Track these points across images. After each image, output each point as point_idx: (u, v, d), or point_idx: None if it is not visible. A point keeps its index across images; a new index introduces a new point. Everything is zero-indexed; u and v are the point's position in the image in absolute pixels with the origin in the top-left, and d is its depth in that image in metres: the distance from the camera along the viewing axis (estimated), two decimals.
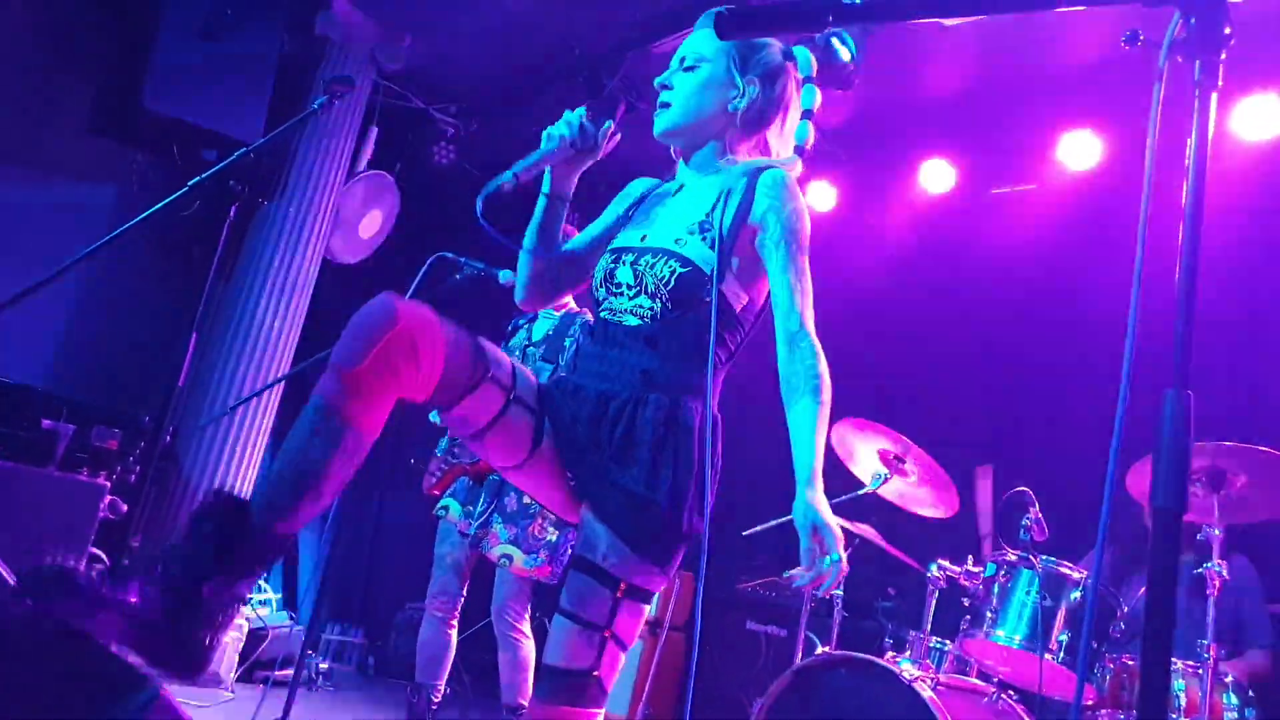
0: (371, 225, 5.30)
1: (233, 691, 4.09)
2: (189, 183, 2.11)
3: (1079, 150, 4.54)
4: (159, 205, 2.15)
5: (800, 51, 1.92)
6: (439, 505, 3.45)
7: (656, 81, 1.90)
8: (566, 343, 3.47)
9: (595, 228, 2.00)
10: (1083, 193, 4.62)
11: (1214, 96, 1.09)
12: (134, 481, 3.85)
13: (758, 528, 3.91)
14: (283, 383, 4.49)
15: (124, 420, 3.78)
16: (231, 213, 2.24)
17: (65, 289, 4.63)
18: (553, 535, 3.30)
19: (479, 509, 3.33)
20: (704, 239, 1.74)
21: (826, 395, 1.66)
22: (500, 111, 5.58)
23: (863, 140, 5.12)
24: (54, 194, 4.63)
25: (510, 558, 3.27)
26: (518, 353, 3.57)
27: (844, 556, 1.55)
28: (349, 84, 2.37)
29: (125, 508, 3.68)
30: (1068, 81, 4.33)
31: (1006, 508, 3.13)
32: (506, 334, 3.73)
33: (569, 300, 3.63)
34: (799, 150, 1.93)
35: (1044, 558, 2.90)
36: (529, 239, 1.93)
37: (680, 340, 1.72)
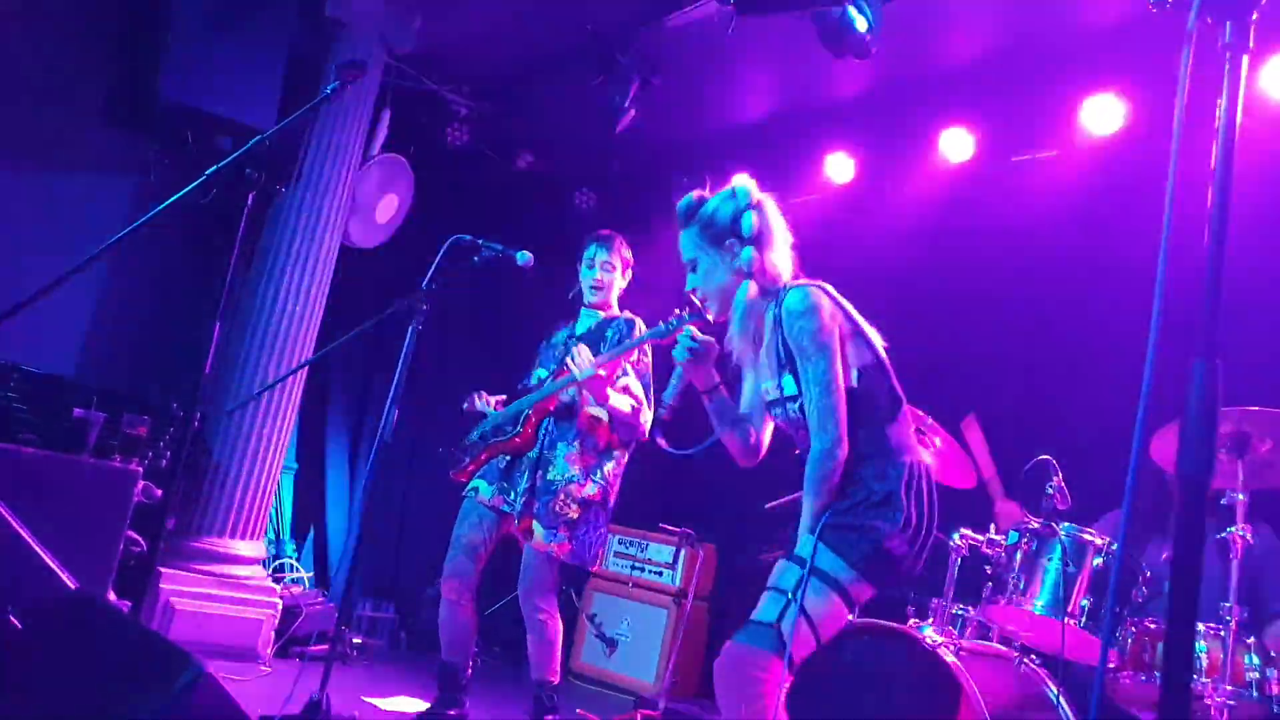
0: (388, 209, 5.32)
1: (269, 666, 4.17)
2: (206, 172, 2.13)
3: (1102, 115, 4.47)
4: (179, 195, 2.16)
5: (740, 189, 2.34)
6: (469, 486, 3.49)
7: (686, 290, 2.39)
8: (609, 333, 3.47)
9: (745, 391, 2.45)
10: (1106, 158, 4.55)
11: (1245, 59, 1.08)
12: (165, 466, 3.91)
13: (778, 501, 3.94)
14: (306, 368, 4.54)
15: (153, 407, 3.84)
16: (249, 201, 2.25)
17: (88, 280, 4.69)
18: (574, 513, 3.33)
19: (521, 487, 3.36)
20: (787, 373, 2.21)
21: (815, 493, 2.11)
22: (513, 91, 5.57)
23: (881, 110, 5.08)
24: (72, 186, 4.68)
25: (531, 532, 3.31)
26: (561, 346, 3.59)
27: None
28: (360, 69, 2.38)
29: (159, 492, 3.75)
30: (1090, 45, 4.27)
31: (1029, 476, 3.14)
32: (547, 334, 3.74)
33: (614, 303, 3.64)
34: (748, 274, 2.28)
35: (1066, 525, 2.91)
36: (719, 430, 2.40)
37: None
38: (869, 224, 5.40)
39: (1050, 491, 3.00)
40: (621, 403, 3.34)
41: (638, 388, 3.42)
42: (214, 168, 2.15)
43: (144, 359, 4.83)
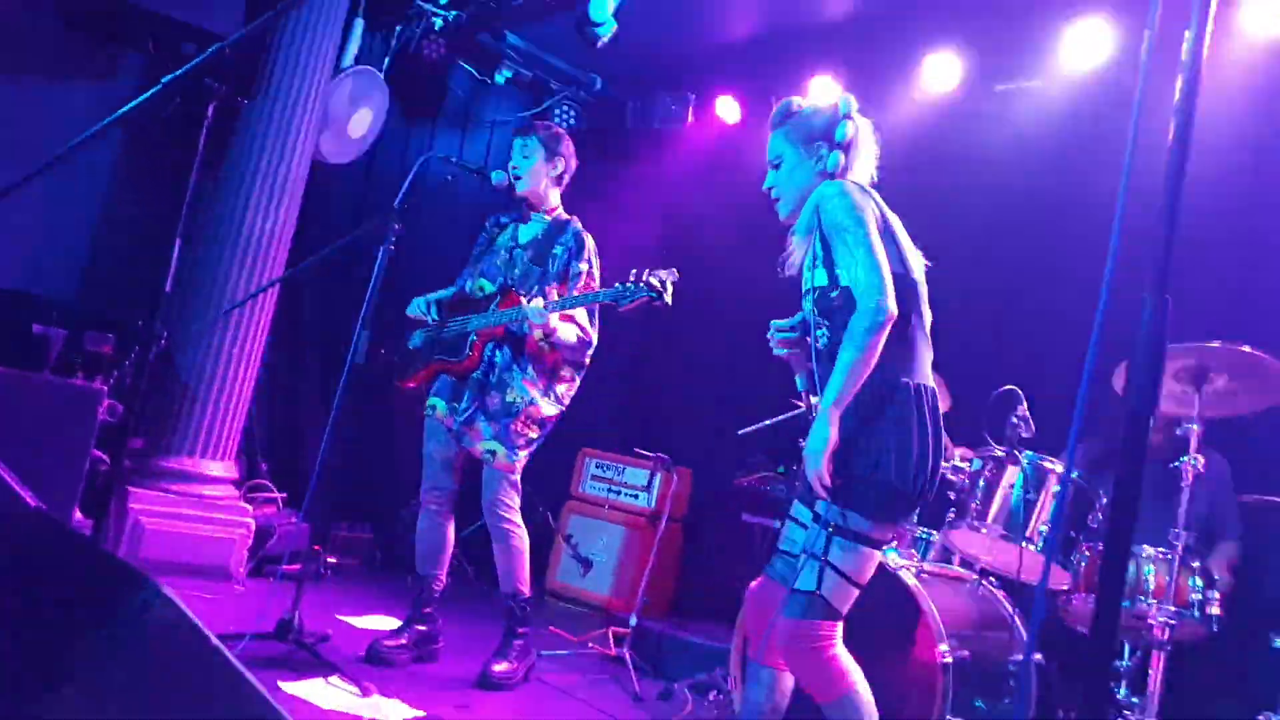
0: (361, 124, 5.20)
1: (243, 585, 4.21)
2: (162, 80, 2.05)
3: (1086, 44, 4.43)
4: (133, 104, 2.09)
5: (843, 100, 2.38)
6: (426, 405, 3.50)
7: (764, 186, 2.46)
8: (557, 250, 3.45)
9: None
10: (1087, 89, 4.51)
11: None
12: (130, 385, 3.88)
13: (752, 427, 3.97)
14: (277, 285, 4.48)
15: (116, 325, 3.79)
16: (209, 112, 2.18)
17: (44, 191, 4.57)
18: (534, 432, 3.37)
19: (463, 406, 3.38)
20: (818, 266, 2.25)
21: (859, 345, 2.07)
22: (491, 2, 5.40)
23: (865, 35, 4.98)
24: (28, 91, 4.52)
25: (494, 453, 3.34)
26: (504, 252, 3.55)
27: (820, 470, 2.04)
28: None
29: (122, 410, 3.72)
30: None
31: (995, 405, 3.17)
32: (487, 227, 3.70)
33: (558, 205, 3.59)
34: (830, 175, 2.34)
35: (1029, 453, 2.96)
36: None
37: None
38: None
39: (1015, 420, 3.03)
40: (568, 333, 3.35)
41: (583, 316, 3.43)
42: (169, 77, 2.07)
43: (105, 275, 4.74)
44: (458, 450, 3.46)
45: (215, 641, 1.24)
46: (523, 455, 3.38)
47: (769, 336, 2.40)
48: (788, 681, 2.24)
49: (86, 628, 1.24)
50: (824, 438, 2.02)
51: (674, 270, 3.10)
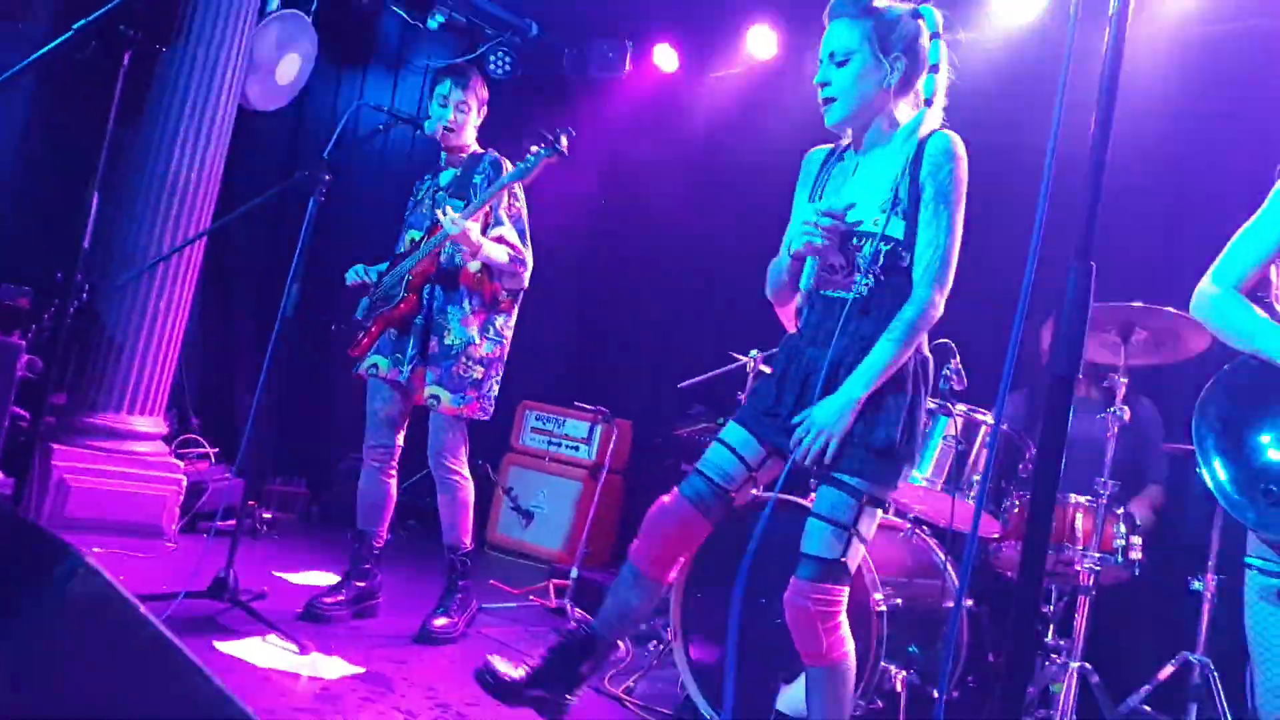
0: (289, 70, 5.02)
1: (175, 543, 4.14)
2: (73, 26, 1.96)
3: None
4: (44, 50, 1.99)
5: (927, 11, 2.16)
6: (368, 364, 3.44)
7: (816, 80, 2.17)
8: (476, 179, 3.38)
9: (795, 210, 2.29)
10: (1024, 40, 4.57)
11: None
12: (50, 339, 3.75)
13: (692, 380, 3.99)
14: (205, 238, 4.34)
15: (34, 278, 3.65)
16: (125, 60, 2.09)
17: None
18: (478, 373, 3.33)
19: (408, 355, 3.33)
20: (896, 214, 2.06)
21: (905, 342, 2.03)
22: None
23: None
24: None
25: (438, 398, 3.30)
26: (428, 201, 3.49)
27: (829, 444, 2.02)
28: None
29: (42, 365, 3.60)
30: None
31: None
32: (414, 190, 3.63)
33: (471, 143, 3.52)
34: (928, 102, 2.15)
35: (962, 406, 3.02)
36: (793, 285, 2.23)
37: (890, 306, 2.06)
38: (790, 102, 5.33)
39: (948, 373, 3.09)
40: (497, 253, 3.29)
41: (513, 235, 3.36)
42: (80, 23, 1.98)
43: (19, 227, 4.55)
44: (403, 406, 3.42)
45: (144, 611, 1.22)
46: (471, 398, 3.32)
47: (810, 224, 2.07)
48: (657, 596, 2.23)
49: (9, 599, 1.21)
50: (844, 419, 1.99)
51: (569, 129, 3.12)
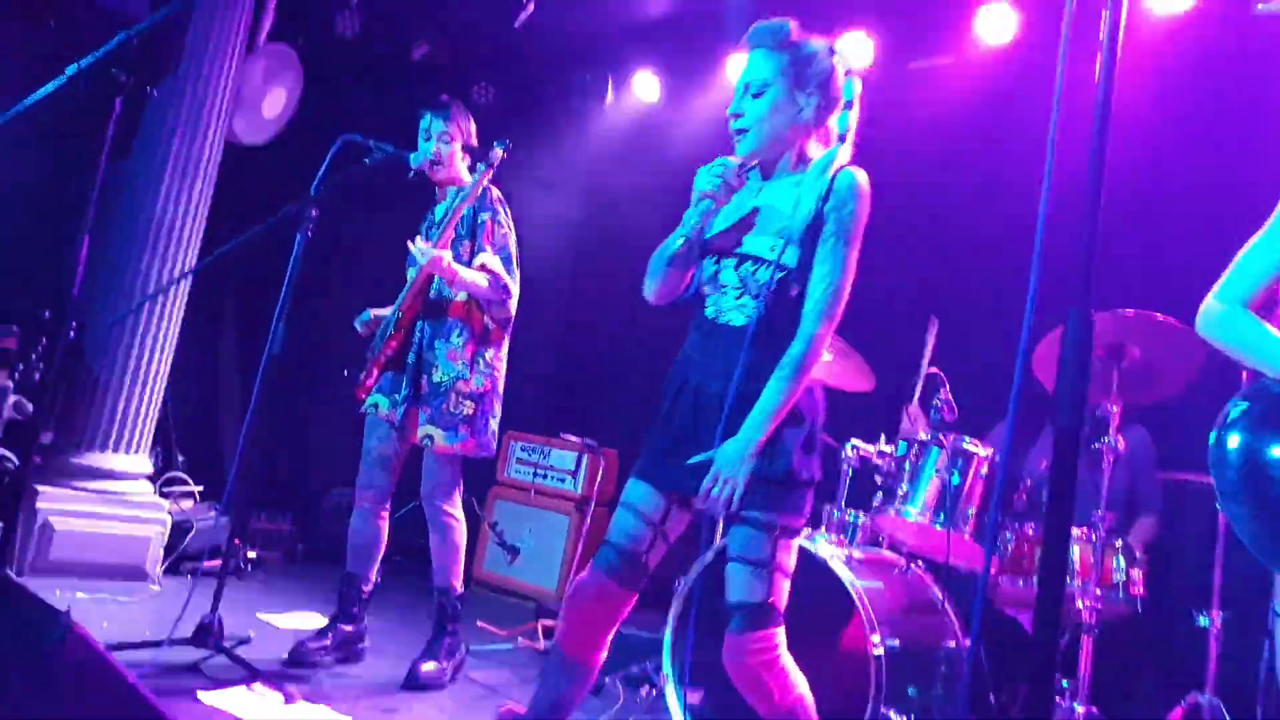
0: (275, 104, 5.02)
1: (159, 585, 4.08)
2: (66, 71, 1.95)
3: (996, 23, 4.54)
4: (37, 95, 1.99)
5: (842, 50, 2.20)
6: (369, 404, 3.40)
7: (729, 110, 2.18)
8: (465, 211, 3.35)
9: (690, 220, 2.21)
10: (999, 67, 4.61)
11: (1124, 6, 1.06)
12: (39, 380, 3.71)
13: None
14: (190, 277, 4.31)
15: (21, 317, 3.61)
16: (117, 105, 2.08)
17: None
18: (468, 408, 3.28)
19: (402, 395, 3.30)
20: (795, 244, 2.04)
21: (796, 379, 2.00)
22: None
23: (783, 9, 4.97)
24: None
25: (431, 438, 3.26)
26: (422, 239, 3.47)
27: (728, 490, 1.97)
28: None
29: (31, 407, 3.56)
30: None
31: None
32: (423, 233, 3.61)
33: (461, 173, 3.51)
34: (841, 138, 2.15)
35: (953, 437, 3.01)
36: (680, 264, 2.16)
37: (779, 333, 2.04)
38: None
39: (938, 404, 3.10)
40: (477, 279, 3.24)
41: (496, 262, 3.31)
42: (72, 68, 1.97)
43: (6, 268, 4.51)
44: (398, 447, 3.38)
45: (132, 679, 1.19)
46: (465, 435, 3.26)
47: (712, 172, 2.09)
48: (589, 679, 2.19)
49: None
50: (747, 463, 1.95)
51: (506, 141, 3.19)
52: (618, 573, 2.13)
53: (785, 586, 2.04)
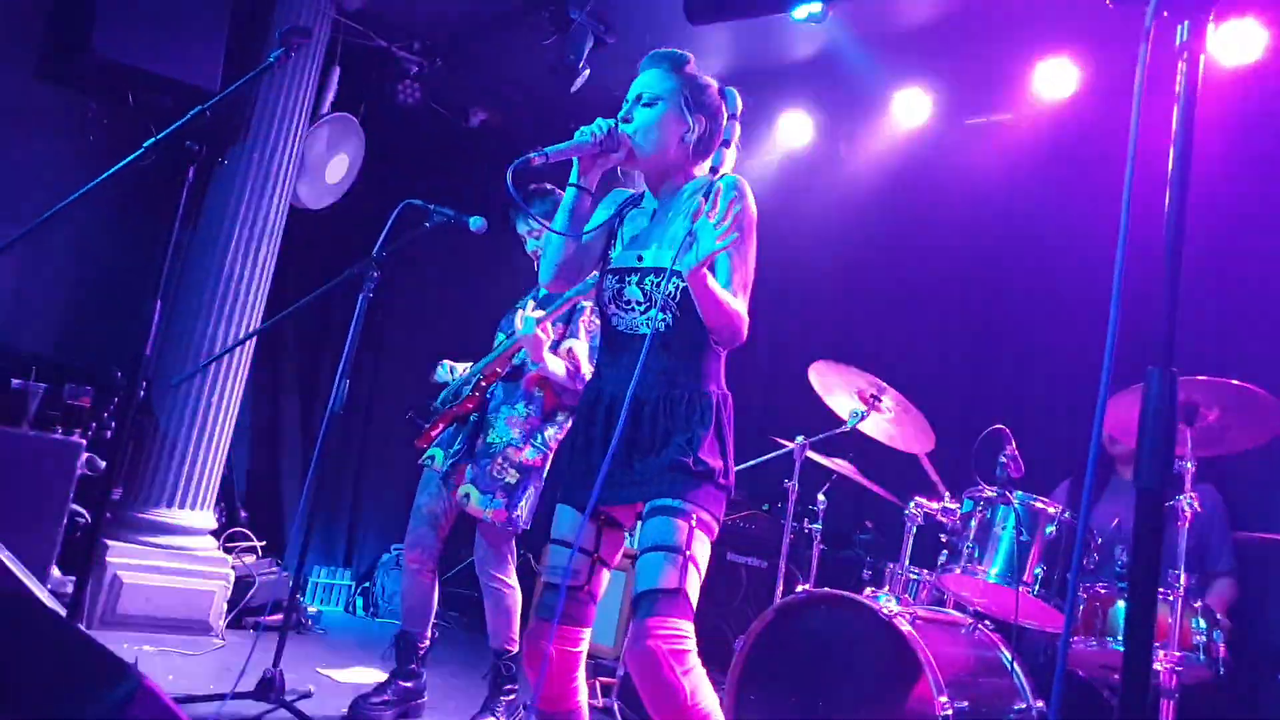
0: (338, 170, 5.18)
1: (223, 639, 4.12)
2: (144, 144, 2.04)
3: (1055, 79, 4.48)
4: (116, 168, 2.08)
5: (730, 93, 2.24)
6: (426, 456, 3.44)
7: (619, 116, 2.19)
8: (568, 292, 3.38)
9: (591, 225, 2.26)
10: (1058, 122, 4.56)
11: (1202, 59, 1.05)
12: (110, 438, 3.81)
13: (738, 466, 3.94)
14: (256, 336, 4.42)
15: (95, 378, 3.73)
16: (190, 174, 2.16)
17: (20, 244, 4.51)
18: (512, 478, 3.27)
19: (455, 449, 3.33)
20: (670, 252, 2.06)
21: (724, 297, 2.01)
22: (465, 48, 5.42)
23: (835, 72, 5.02)
24: (4, 142, 4.47)
25: (469, 496, 3.26)
26: (520, 308, 3.50)
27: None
28: (305, 34, 2.29)
29: (104, 464, 3.65)
30: (1044, 8, 4.25)
31: (983, 445, 3.16)
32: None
33: None
34: (713, 170, 2.17)
35: (1020, 494, 2.94)
36: (560, 224, 2.19)
37: (689, 340, 2.09)
38: (822, 187, 5.38)
39: (1004, 460, 3.03)
40: (556, 367, 3.24)
41: (582, 350, 3.32)
42: (150, 141, 2.06)
43: (83, 328, 4.68)
44: (447, 505, 3.39)
45: None
46: (500, 503, 3.24)
47: (597, 125, 2.13)
48: None
49: (67, 717, 1.19)
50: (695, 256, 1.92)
51: None
52: (563, 614, 2.04)
53: (697, 582, 1.96)
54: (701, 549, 1.97)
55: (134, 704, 1.17)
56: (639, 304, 2.13)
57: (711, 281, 1.98)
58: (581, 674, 2.13)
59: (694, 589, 1.94)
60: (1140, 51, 1.09)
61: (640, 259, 2.15)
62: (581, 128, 2.13)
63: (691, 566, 1.93)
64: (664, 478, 1.98)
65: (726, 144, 2.20)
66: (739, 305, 2.06)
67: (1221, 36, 3.97)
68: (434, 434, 3.43)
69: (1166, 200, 1.04)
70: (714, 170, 2.16)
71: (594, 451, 2.08)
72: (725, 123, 2.22)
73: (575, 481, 2.12)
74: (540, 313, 3.17)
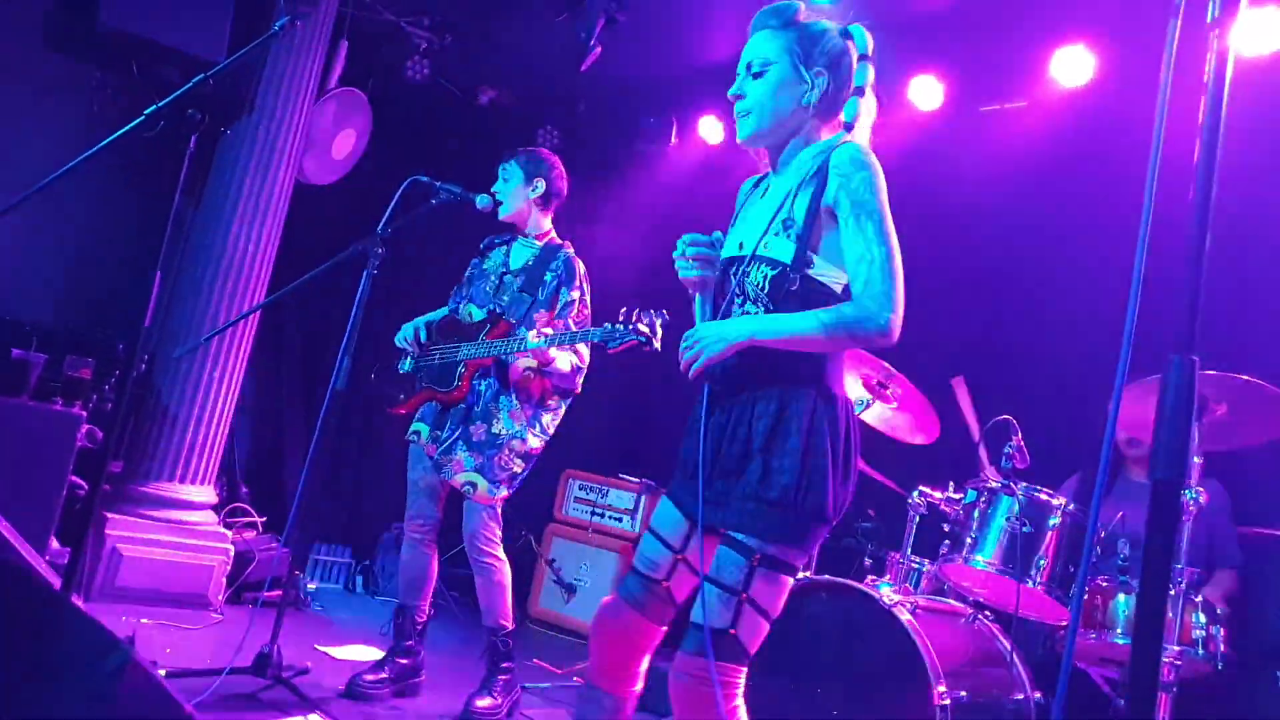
0: (344, 145, 5.14)
1: (221, 614, 4.12)
2: (145, 111, 2.01)
3: (1072, 66, 4.42)
4: (115, 135, 2.06)
5: (857, 30, 1.97)
6: (410, 430, 3.45)
7: (730, 93, 1.98)
8: (548, 277, 3.40)
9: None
10: (1074, 110, 4.51)
11: (1230, 39, 1.02)
12: (110, 410, 3.80)
13: None
14: (259, 311, 4.40)
15: (96, 349, 3.71)
16: (191, 143, 2.14)
17: (21, 214, 4.49)
18: (519, 467, 3.31)
19: (445, 434, 3.33)
20: (786, 235, 1.84)
21: (828, 326, 1.77)
22: (475, 24, 5.37)
23: None
24: (10, 110, 4.45)
25: (474, 485, 3.27)
26: (494, 276, 3.51)
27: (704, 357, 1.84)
28: (311, 3, 2.25)
29: (102, 436, 3.64)
30: None
31: (989, 435, 3.14)
32: (481, 250, 3.66)
33: (550, 229, 3.56)
34: (847, 127, 1.94)
35: (1024, 485, 2.92)
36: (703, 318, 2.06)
37: None
38: None
39: (1009, 451, 3.00)
40: (563, 362, 3.29)
41: (585, 351, 3.38)
42: (152, 108, 2.03)
43: (84, 299, 4.67)
44: (440, 478, 3.40)
45: (189, 709, 1.18)
46: (504, 490, 3.31)
47: (677, 255, 1.99)
48: (629, 711, 1.98)
49: (57, 690, 1.18)
50: (724, 344, 1.79)
51: (664, 312, 2.79)
52: (639, 600, 1.94)
53: (760, 627, 1.78)
54: (767, 590, 1.77)
55: (123, 677, 1.15)
56: (738, 298, 1.92)
57: (782, 324, 1.79)
58: (643, 668, 2.01)
59: (750, 632, 1.77)
60: (1170, 27, 1.06)
61: (740, 245, 1.94)
62: (679, 261, 2.00)
63: (749, 610, 1.76)
64: (734, 506, 1.81)
65: (861, 91, 1.94)
66: (843, 313, 1.78)
67: (1242, 26, 3.90)
68: (410, 406, 3.45)
69: (1196, 169, 1.01)
70: (848, 127, 1.92)
71: (690, 459, 1.95)
72: (855, 67, 1.95)
73: (682, 479, 2.00)
74: (535, 335, 3.20)
